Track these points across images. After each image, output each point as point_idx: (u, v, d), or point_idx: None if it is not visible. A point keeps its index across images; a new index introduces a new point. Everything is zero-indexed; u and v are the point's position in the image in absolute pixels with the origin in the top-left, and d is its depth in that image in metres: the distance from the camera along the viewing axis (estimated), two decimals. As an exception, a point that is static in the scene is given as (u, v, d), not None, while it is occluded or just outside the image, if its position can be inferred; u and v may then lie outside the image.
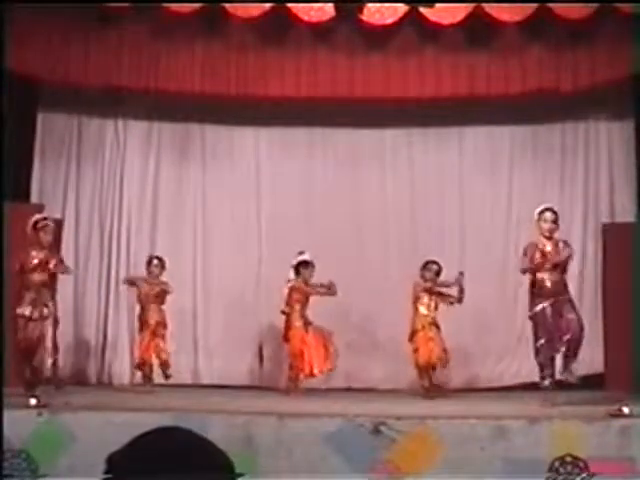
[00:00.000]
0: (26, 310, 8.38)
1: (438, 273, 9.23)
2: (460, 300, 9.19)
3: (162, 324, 9.27)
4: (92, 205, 10.39)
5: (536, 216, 8.39)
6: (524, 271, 8.36)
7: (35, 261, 8.46)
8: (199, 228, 10.49)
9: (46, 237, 8.57)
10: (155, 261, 9.41)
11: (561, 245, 8.35)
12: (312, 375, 9.21)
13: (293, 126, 10.45)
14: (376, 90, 9.64)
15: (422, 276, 9.21)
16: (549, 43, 9.44)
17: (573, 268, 9.87)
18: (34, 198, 10.19)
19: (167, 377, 9.22)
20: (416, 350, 9.09)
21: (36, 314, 8.38)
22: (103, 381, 10.04)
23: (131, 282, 9.58)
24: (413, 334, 9.13)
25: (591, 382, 9.40)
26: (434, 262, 9.24)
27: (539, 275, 8.24)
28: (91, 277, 10.24)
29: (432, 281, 9.18)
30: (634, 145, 10.14)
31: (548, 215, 8.34)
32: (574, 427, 6.93)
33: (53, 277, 8.68)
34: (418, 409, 7.84)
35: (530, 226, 10.17)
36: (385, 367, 9.94)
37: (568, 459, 6.66)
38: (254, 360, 10.19)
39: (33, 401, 7.26)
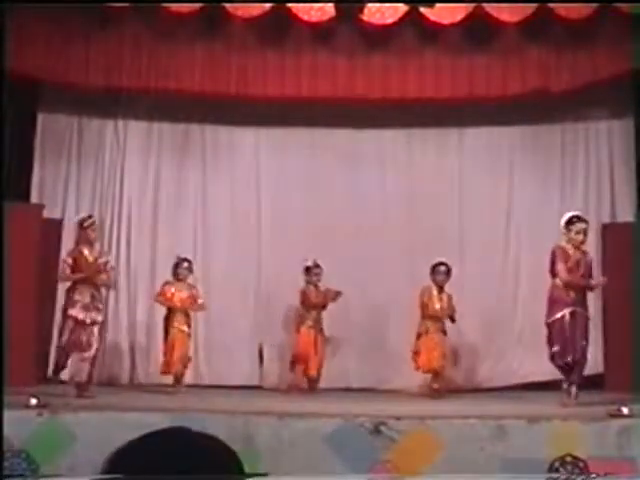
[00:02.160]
0: (80, 314, 8.41)
1: (448, 273, 9.23)
2: (452, 319, 9.20)
3: (186, 330, 9.22)
4: (92, 205, 10.37)
5: (564, 223, 8.24)
6: (568, 283, 8.15)
7: (90, 259, 8.56)
8: (199, 228, 10.49)
9: (93, 235, 8.70)
10: (185, 264, 9.35)
11: (589, 258, 8.27)
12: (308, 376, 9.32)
13: (293, 126, 10.45)
14: (376, 90, 9.63)
15: (433, 280, 9.22)
16: (549, 43, 9.44)
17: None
18: (34, 198, 10.19)
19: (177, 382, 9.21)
20: (417, 353, 9.10)
21: (88, 319, 8.42)
22: (103, 381, 10.03)
23: (164, 295, 9.34)
24: (418, 337, 9.14)
25: (591, 382, 9.40)
26: (442, 263, 9.24)
27: (562, 286, 8.16)
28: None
29: (443, 282, 9.18)
30: (634, 145, 10.14)
31: (581, 226, 8.19)
32: (574, 427, 6.93)
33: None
34: (418, 409, 7.84)
35: (529, 226, 10.27)
36: (384, 367, 9.93)
37: (568, 459, 6.66)
38: (254, 360, 10.19)
39: (33, 401, 7.26)
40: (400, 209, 10.44)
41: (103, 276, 8.65)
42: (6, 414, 6.61)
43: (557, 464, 6.65)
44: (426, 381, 9.26)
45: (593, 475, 6.63)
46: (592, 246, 10.10)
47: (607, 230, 10.01)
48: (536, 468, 6.63)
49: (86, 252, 8.60)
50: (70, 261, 8.57)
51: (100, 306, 8.60)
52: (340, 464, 6.72)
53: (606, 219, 10.19)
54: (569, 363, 8.08)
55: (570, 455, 6.67)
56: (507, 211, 10.44)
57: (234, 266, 10.30)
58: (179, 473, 1.76)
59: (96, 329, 8.49)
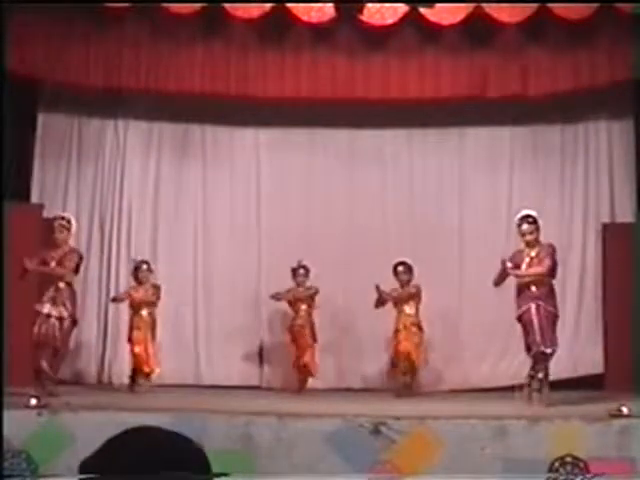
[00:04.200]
0: (44, 308, 8.45)
1: (410, 271, 9.24)
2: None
3: (151, 329, 9.20)
4: (92, 205, 10.39)
5: (516, 225, 8.37)
6: (497, 280, 8.34)
7: (53, 258, 8.57)
8: (199, 228, 10.49)
9: (59, 235, 8.67)
10: (144, 266, 9.35)
11: (543, 253, 8.26)
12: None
13: (293, 126, 10.45)
14: (376, 91, 9.63)
15: (396, 279, 9.23)
16: (549, 43, 9.44)
17: (573, 268, 9.91)
18: (34, 198, 10.20)
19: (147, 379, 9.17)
20: (397, 346, 9.10)
21: (55, 312, 8.44)
22: (103, 381, 10.04)
23: (120, 299, 9.47)
24: (396, 333, 9.16)
25: (591, 382, 9.41)
26: (402, 263, 9.26)
27: (524, 281, 8.22)
28: (91, 277, 10.23)
29: (407, 281, 9.21)
30: (634, 145, 10.15)
31: (525, 228, 8.27)
32: (574, 427, 6.93)
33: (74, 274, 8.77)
34: (418, 409, 7.84)
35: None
36: (384, 367, 9.93)
37: (568, 459, 6.66)
38: (254, 360, 10.19)
39: (33, 401, 7.26)
40: (400, 209, 10.44)
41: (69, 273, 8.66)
42: (6, 414, 6.61)
43: (557, 464, 6.65)
44: (395, 377, 9.25)
45: (593, 475, 6.63)
46: (592, 246, 10.15)
47: (607, 230, 10.01)
48: (536, 468, 6.63)
49: (51, 252, 8.61)
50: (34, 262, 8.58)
51: (66, 302, 8.53)
52: (340, 464, 6.72)
53: (605, 219, 10.19)
54: (545, 352, 8.05)
55: (570, 455, 6.67)
56: (507, 211, 10.41)
57: (234, 266, 10.30)
58: (140, 473, 1.77)
59: (63, 324, 8.48)
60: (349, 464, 6.72)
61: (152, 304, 9.26)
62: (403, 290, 9.23)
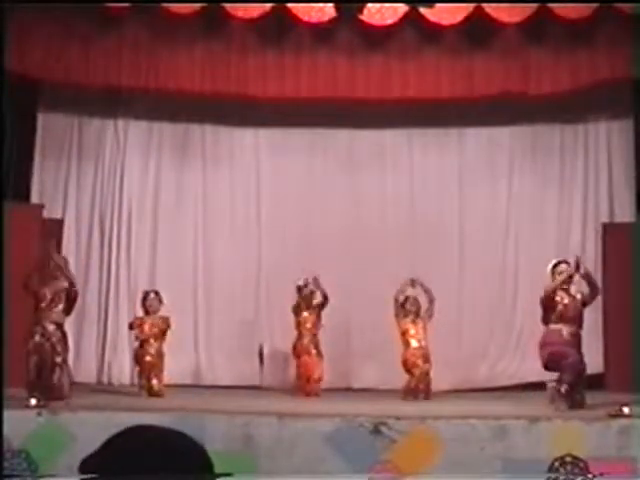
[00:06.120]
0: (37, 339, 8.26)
1: (417, 302, 9.17)
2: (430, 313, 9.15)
3: (159, 361, 8.93)
4: (92, 205, 10.39)
5: (550, 269, 8.28)
6: (547, 323, 8.21)
7: (48, 297, 8.35)
8: (199, 229, 10.49)
9: (55, 263, 8.46)
10: (152, 295, 9.08)
11: (579, 297, 8.24)
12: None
13: (293, 127, 10.45)
14: (376, 91, 9.64)
15: (407, 313, 9.15)
16: (549, 44, 9.45)
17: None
18: (34, 198, 10.19)
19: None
20: (413, 367, 9.06)
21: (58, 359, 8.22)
22: (103, 381, 10.04)
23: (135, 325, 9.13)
24: (406, 352, 9.07)
25: (591, 382, 9.40)
26: (407, 297, 9.19)
27: (555, 326, 8.16)
28: (92, 277, 10.24)
29: (416, 312, 9.11)
30: (634, 145, 10.15)
31: (563, 267, 8.21)
32: (574, 427, 6.93)
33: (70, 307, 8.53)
34: (418, 409, 7.84)
35: (529, 226, 10.29)
36: (384, 367, 9.93)
37: (568, 459, 6.67)
38: (254, 361, 10.19)
39: (33, 401, 7.26)
40: (400, 209, 10.44)
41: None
42: (6, 414, 6.62)
43: (557, 464, 6.66)
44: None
45: (593, 475, 6.64)
46: (592, 246, 10.15)
47: (607, 230, 10.02)
48: (536, 468, 6.64)
49: (45, 290, 8.35)
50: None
51: (57, 347, 8.27)
52: (340, 464, 6.73)
53: (605, 219, 10.20)
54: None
55: (570, 455, 6.68)
56: (507, 211, 10.44)
57: (234, 266, 10.30)
58: (147, 472, 1.76)
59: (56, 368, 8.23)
60: (349, 464, 6.73)
61: (159, 337, 8.94)
62: (415, 323, 9.14)
